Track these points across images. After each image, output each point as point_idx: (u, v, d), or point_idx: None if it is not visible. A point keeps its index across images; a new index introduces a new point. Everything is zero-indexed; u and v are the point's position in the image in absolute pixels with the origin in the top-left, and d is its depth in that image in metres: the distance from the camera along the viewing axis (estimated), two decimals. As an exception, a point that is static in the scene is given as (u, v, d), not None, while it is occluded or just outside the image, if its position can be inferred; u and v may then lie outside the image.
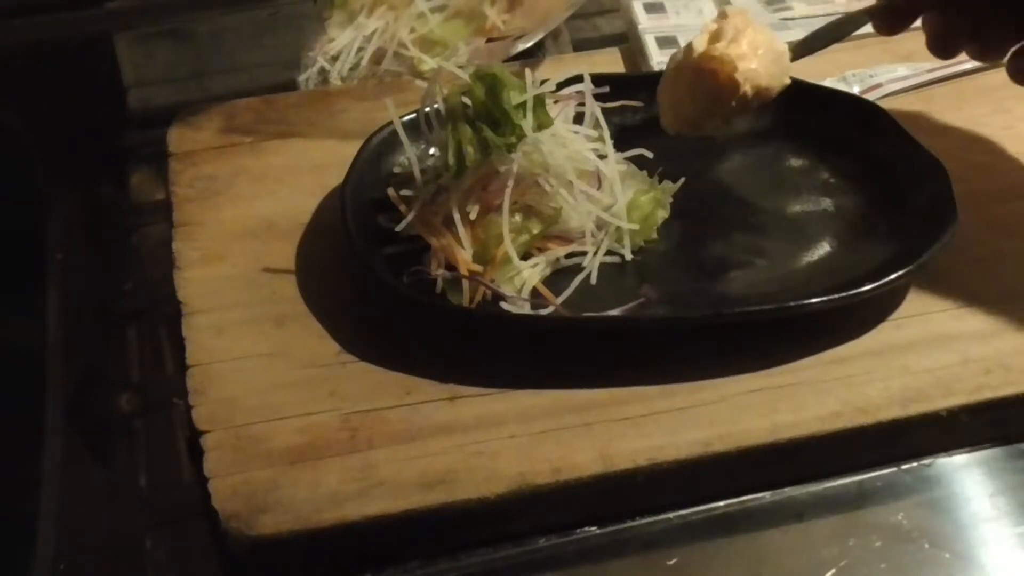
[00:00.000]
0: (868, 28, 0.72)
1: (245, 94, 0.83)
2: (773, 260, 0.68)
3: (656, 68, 0.83)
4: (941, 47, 0.70)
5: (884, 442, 0.61)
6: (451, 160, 0.65)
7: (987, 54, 0.70)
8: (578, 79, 0.70)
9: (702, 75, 0.67)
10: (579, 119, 0.70)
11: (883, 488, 0.61)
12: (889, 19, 0.70)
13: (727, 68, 0.66)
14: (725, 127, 0.69)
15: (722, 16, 0.69)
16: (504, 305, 0.64)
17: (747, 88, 0.67)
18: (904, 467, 0.62)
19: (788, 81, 0.69)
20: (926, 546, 0.58)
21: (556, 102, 0.69)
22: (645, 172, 0.71)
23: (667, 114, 0.70)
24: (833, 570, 0.57)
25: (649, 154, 0.70)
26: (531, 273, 0.66)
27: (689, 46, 0.68)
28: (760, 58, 0.67)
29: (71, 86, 0.90)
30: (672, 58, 0.70)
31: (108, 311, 0.73)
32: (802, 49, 0.71)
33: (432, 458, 0.59)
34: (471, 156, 0.65)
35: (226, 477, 0.58)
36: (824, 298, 0.64)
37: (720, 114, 0.68)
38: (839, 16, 0.73)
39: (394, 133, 0.69)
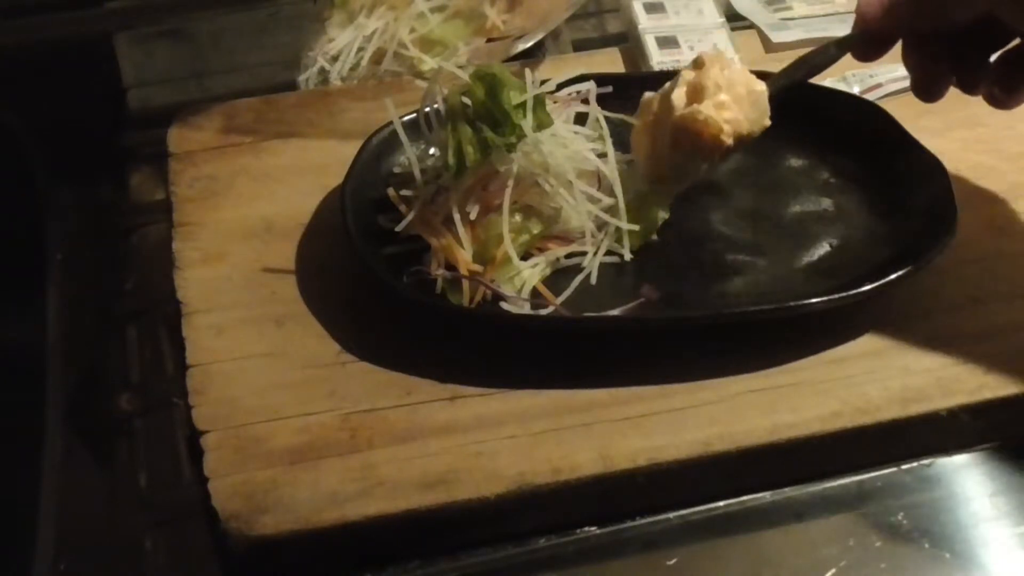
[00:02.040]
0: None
1: (245, 94, 0.83)
2: (773, 260, 0.68)
3: (656, 68, 0.83)
4: (926, 86, 0.68)
5: (884, 442, 0.61)
6: (451, 160, 0.65)
7: (970, 82, 0.68)
8: (579, 79, 0.70)
9: (685, 134, 0.66)
10: (579, 119, 0.70)
11: (883, 488, 0.61)
12: (865, 49, 0.69)
13: (712, 130, 0.66)
14: (705, 174, 0.69)
15: (699, 65, 0.67)
16: (504, 305, 0.64)
17: (730, 141, 0.66)
18: (904, 467, 0.62)
19: (768, 123, 0.68)
20: (926, 546, 0.58)
21: (555, 103, 0.69)
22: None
23: (644, 165, 0.69)
24: (833, 570, 0.57)
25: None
26: (531, 273, 0.66)
27: (668, 99, 0.67)
28: (741, 104, 0.67)
29: (71, 86, 0.90)
30: (645, 107, 0.69)
31: (108, 311, 0.73)
32: (778, 87, 0.69)
33: (432, 458, 0.59)
34: (471, 156, 0.65)
35: (226, 477, 0.58)
36: (824, 298, 0.64)
37: (700, 165, 0.68)
38: (812, 49, 0.71)
39: (394, 133, 0.69)
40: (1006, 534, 0.59)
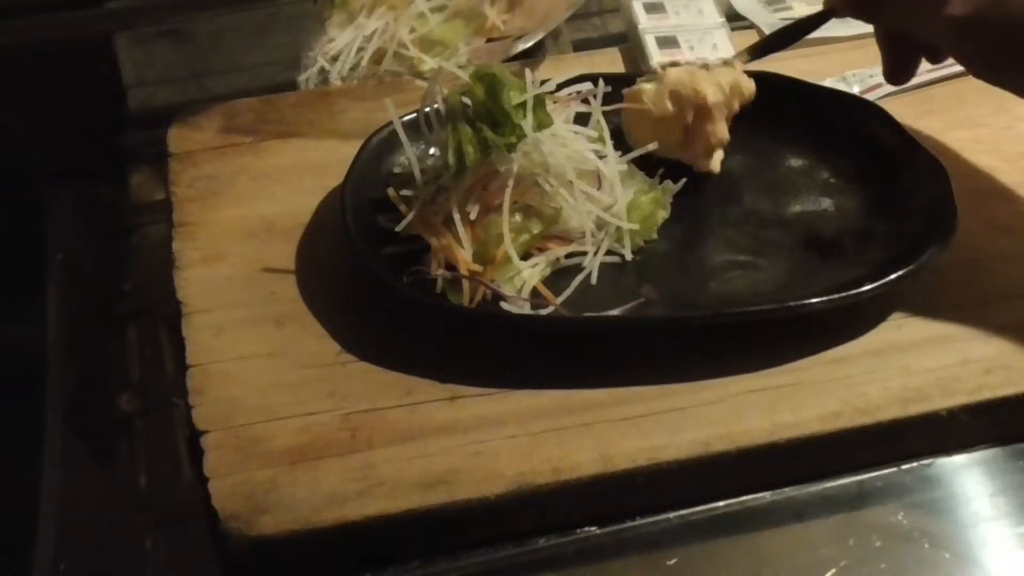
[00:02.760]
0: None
1: (245, 94, 0.83)
2: (773, 260, 0.68)
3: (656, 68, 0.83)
4: (894, 70, 0.71)
5: (884, 442, 0.61)
6: (451, 160, 0.65)
7: (938, 58, 0.70)
8: (579, 79, 0.70)
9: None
10: (579, 119, 0.70)
11: (883, 488, 0.61)
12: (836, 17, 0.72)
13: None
14: None
15: (681, 100, 0.71)
16: (504, 305, 0.64)
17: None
18: (904, 467, 0.62)
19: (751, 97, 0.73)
20: (926, 546, 0.58)
21: (555, 103, 0.69)
22: (645, 172, 0.71)
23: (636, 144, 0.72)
24: (833, 570, 0.57)
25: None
26: (531, 273, 0.66)
27: (682, 100, 0.71)
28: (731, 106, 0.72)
29: (71, 86, 0.90)
30: (651, 98, 0.72)
31: (108, 311, 0.73)
32: (758, 53, 0.74)
33: (432, 458, 0.59)
34: (471, 156, 0.65)
35: (226, 477, 0.58)
36: (824, 298, 0.64)
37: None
38: (792, 21, 0.75)
39: (394, 133, 0.69)
40: (1006, 534, 0.59)
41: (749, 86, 0.72)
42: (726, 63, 0.73)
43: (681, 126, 0.71)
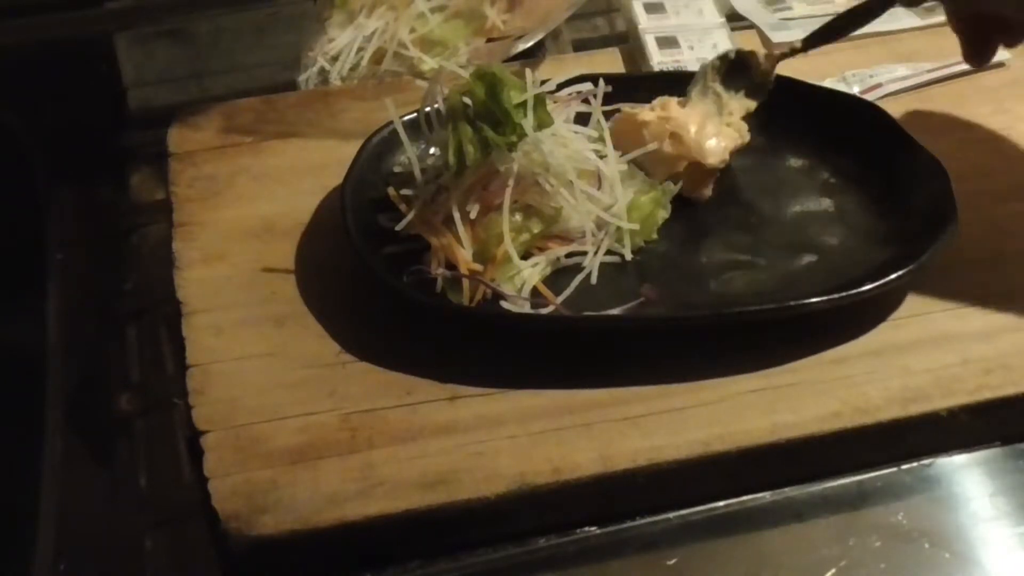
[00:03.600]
0: (866, 28, 0.73)
1: (245, 94, 0.83)
2: (773, 260, 0.68)
3: (656, 68, 0.83)
4: (974, 52, 0.70)
5: (884, 442, 0.61)
6: (451, 159, 0.65)
7: (1014, 41, 0.69)
8: (579, 79, 0.70)
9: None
10: (579, 119, 0.70)
11: (883, 488, 0.61)
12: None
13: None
14: None
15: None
16: (504, 304, 0.64)
17: None
18: (904, 467, 0.62)
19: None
20: (926, 546, 0.58)
21: (555, 103, 0.69)
22: (645, 172, 0.71)
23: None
24: (833, 570, 0.57)
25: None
26: (531, 272, 0.66)
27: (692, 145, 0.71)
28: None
29: (71, 86, 0.90)
30: (630, 121, 0.72)
31: (108, 311, 0.73)
32: (815, 41, 0.72)
33: (432, 458, 0.59)
34: (472, 155, 0.65)
35: (226, 477, 0.58)
36: (824, 298, 0.64)
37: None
38: (847, 9, 0.73)
39: (394, 133, 0.69)
40: (1006, 534, 0.59)
41: (746, 138, 0.72)
42: (782, 55, 0.73)
43: (672, 168, 0.70)
